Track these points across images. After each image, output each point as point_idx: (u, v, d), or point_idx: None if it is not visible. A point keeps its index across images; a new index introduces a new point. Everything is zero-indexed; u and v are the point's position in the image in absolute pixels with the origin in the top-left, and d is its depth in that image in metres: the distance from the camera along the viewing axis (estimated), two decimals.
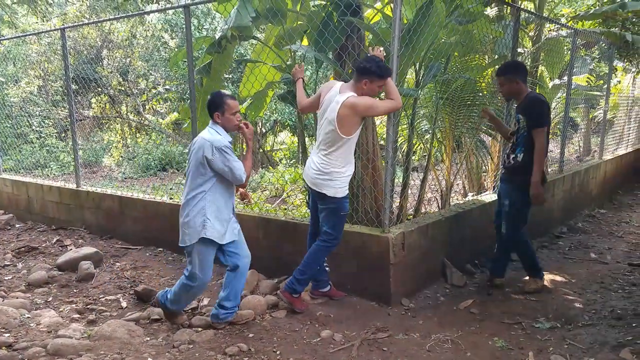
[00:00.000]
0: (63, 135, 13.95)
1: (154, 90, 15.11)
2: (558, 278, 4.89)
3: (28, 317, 4.03)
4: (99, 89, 14.49)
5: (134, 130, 16.38)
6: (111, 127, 16.16)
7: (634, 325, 3.64)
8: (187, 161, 3.74)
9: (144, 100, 15.84)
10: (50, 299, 4.59)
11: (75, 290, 4.78)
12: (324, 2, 5.07)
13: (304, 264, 4.00)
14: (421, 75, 5.12)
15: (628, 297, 4.36)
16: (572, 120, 10.74)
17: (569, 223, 6.87)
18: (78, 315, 4.19)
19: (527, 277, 4.65)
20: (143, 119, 15.81)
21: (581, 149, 10.58)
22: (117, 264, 5.44)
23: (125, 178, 12.46)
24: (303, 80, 4.41)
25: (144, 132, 16.05)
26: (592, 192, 7.93)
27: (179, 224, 3.76)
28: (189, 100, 5.41)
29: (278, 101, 11.39)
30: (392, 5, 4.01)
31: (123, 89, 15.24)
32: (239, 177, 3.65)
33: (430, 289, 4.51)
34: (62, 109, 13.63)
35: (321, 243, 3.95)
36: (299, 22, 5.39)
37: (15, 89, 13.13)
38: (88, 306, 4.38)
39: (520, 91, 4.30)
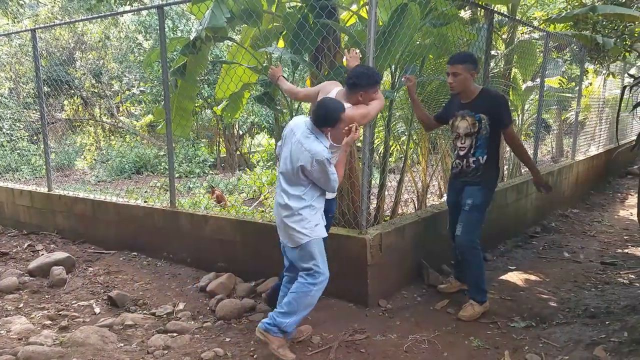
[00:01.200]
0: (35, 138, 13.69)
1: (128, 92, 14.94)
2: (532, 277, 4.95)
3: None
4: (72, 91, 14.27)
5: (107, 133, 16.15)
6: (84, 129, 15.92)
7: (607, 323, 3.69)
8: (281, 156, 3.51)
9: (118, 102, 15.64)
10: (21, 305, 4.47)
11: (47, 296, 4.67)
12: (299, 4, 5.06)
13: None
14: (397, 77, 5.14)
15: (601, 295, 4.43)
16: (545, 122, 10.91)
17: (542, 223, 6.97)
18: (50, 322, 4.09)
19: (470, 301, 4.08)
20: (117, 121, 15.60)
21: (554, 150, 10.76)
22: (90, 269, 5.33)
23: (99, 181, 12.28)
24: (284, 77, 4.30)
25: (117, 135, 15.83)
26: (565, 192, 8.06)
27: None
28: (163, 102, 5.33)
29: (255, 103, 11.35)
30: (367, 7, 4.02)
31: (96, 91, 15.04)
32: (333, 188, 3.41)
33: (408, 290, 4.52)
34: (34, 111, 13.38)
35: None
36: (274, 24, 5.37)
37: None
38: (60, 312, 4.28)
39: (471, 86, 3.96)
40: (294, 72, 5.50)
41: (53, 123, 14.52)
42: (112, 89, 15.08)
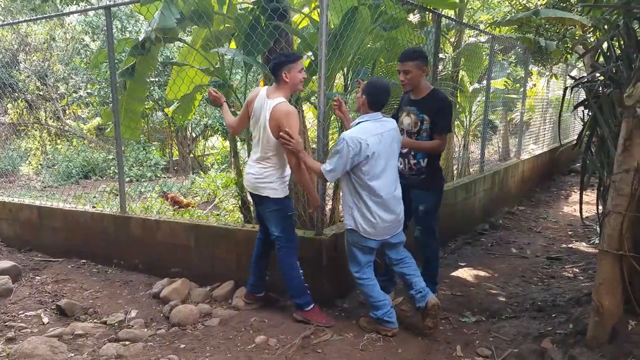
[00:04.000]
0: None
1: (75, 95, 14.49)
2: (482, 273, 5.10)
3: None
4: (15, 94, 13.73)
5: (53, 137, 15.60)
6: (29, 133, 15.34)
7: (553, 315, 3.84)
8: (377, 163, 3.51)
9: (64, 105, 15.15)
10: None
11: None
12: (250, 6, 5.05)
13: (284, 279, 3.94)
14: (349, 79, 5.19)
15: (547, 289, 4.61)
16: (491, 123, 11.25)
17: (490, 220, 7.19)
18: None
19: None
20: (63, 124, 15.11)
21: (501, 150, 11.13)
22: (37, 277, 5.14)
23: (45, 187, 11.85)
24: (227, 103, 4.25)
25: (64, 139, 15.32)
26: (512, 190, 8.33)
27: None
28: (111, 104, 5.21)
29: (208, 105, 11.22)
30: (319, 10, 4.05)
31: (41, 93, 14.52)
32: None
33: None
34: None
35: (278, 249, 3.91)
36: (226, 25, 5.34)
37: None
38: (6, 323, 4.11)
39: (422, 83, 3.93)
40: (247, 74, 5.47)
41: None
42: (58, 92, 14.59)
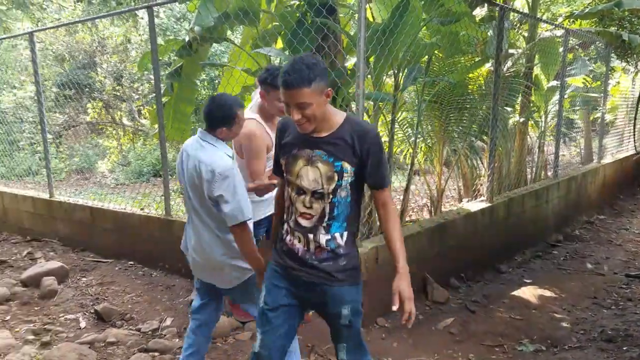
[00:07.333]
0: (57, 141, 13.81)
1: (149, 96, 14.98)
2: (547, 293, 4.58)
3: None
4: (94, 94, 14.37)
5: (130, 136, 16.20)
6: (107, 132, 16.02)
7: (624, 349, 3.34)
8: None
9: (140, 105, 15.68)
10: (8, 317, 4.31)
11: (35, 308, 4.51)
12: (297, 3, 4.81)
13: None
14: (400, 78, 4.83)
15: (621, 315, 4.05)
16: (574, 123, 10.40)
17: (565, 231, 6.55)
18: (33, 337, 3.91)
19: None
20: (137, 124, 15.65)
21: (582, 153, 10.29)
22: (84, 279, 5.16)
23: (118, 184, 12.27)
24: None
25: (141, 137, 15.86)
26: (591, 197, 7.59)
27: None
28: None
29: None
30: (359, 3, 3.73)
31: (118, 94, 15.10)
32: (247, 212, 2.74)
33: None
34: (60, 114, 13.51)
35: None
36: (274, 23, 5.14)
37: (10, 95, 12.99)
38: (45, 326, 4.11)
39: (327, 112, 2.15)
40: None
41: (74, 126, 14.67)
42: (138, 92, 15.12)
